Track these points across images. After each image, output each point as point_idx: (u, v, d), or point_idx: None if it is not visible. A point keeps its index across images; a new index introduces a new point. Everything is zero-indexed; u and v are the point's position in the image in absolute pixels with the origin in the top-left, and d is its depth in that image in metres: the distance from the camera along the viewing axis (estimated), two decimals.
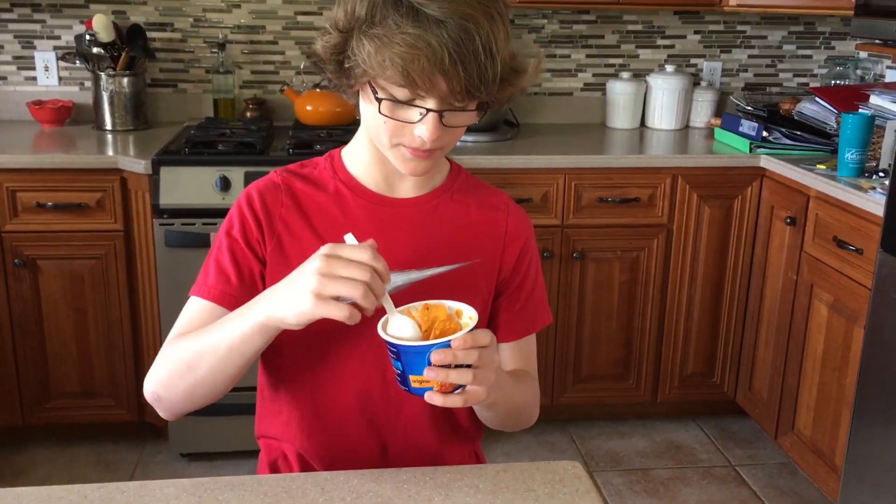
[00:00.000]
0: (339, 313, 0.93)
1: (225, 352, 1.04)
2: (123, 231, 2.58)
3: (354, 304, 0.94)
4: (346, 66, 1.03)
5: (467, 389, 0.98)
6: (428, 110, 1.01)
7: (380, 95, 1.01)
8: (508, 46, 1.02)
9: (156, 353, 1.16)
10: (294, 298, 0.95)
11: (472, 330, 0.97)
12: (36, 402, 2.69)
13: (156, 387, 1.13)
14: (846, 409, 2.35)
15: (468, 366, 0.96)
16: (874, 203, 2.21)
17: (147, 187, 2.51)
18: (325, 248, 0.96)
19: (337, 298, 0.94)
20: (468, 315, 1.00)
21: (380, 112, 1.02)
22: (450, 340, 0.95)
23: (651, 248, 2.81)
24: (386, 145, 1.08)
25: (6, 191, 2.50)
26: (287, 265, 1.09)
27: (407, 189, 1.19)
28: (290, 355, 1.19)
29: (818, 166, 2.55)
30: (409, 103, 1.01)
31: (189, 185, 2.49)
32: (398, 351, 0.96)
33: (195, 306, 1.14)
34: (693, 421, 3.08)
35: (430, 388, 0.97)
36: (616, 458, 2.85)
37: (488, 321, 1.23)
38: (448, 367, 0.95)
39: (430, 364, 0.95)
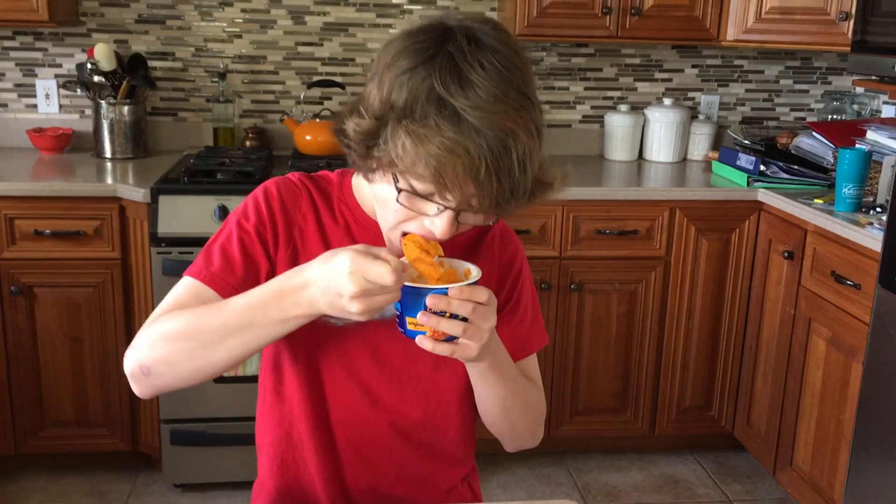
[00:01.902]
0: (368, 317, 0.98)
1: (255, 336, 1.02)
2: (121, 259, 2.58)
3: None
4: (375, 153, 1.01)
5: (459, 342, 1.00)
6: (446, 207, 1.00)
7: (401, 185, 1.00)
8: (539, 158, 1.01)
9: None
10: (338, 304, 0.97)
11: (472, 284, 0.99)
12: (29, 431, 2.66)
13: (148, 361, 1.07)
14: (845, 445, 2.34)
15: (465, 320, 0.99)
16: (872, 238, 2.22)
17: (145, 216, 2.51)
18: (353, 263, 0.95)
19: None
20: (474, 274, 1.03)
21: (397, 200, 1.01)
22: (448, 288, 0.97)
23: (649, 281, 2.81)
24: (387, 227, 1.07)
25: (4, 218, 2.50)
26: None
27: None
28: (291, 376, 1.20)
29: (816, 201, 2.56)
30: (428, 198, 1.00)
31: (187, 214, 2.49)
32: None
33: (191, 288, 1.11)
34: (691, 455, 3.06)
35: (424, 333, 1.00)
36: (613, 493, 2.82)
37: None
38: (442, 315, 0.97)
39: (426, 309, 0.98)
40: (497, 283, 1.23)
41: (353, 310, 0.95)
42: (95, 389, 2.65)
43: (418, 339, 1.00)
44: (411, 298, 0.99)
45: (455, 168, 0.94)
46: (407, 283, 0.98)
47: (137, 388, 1.11)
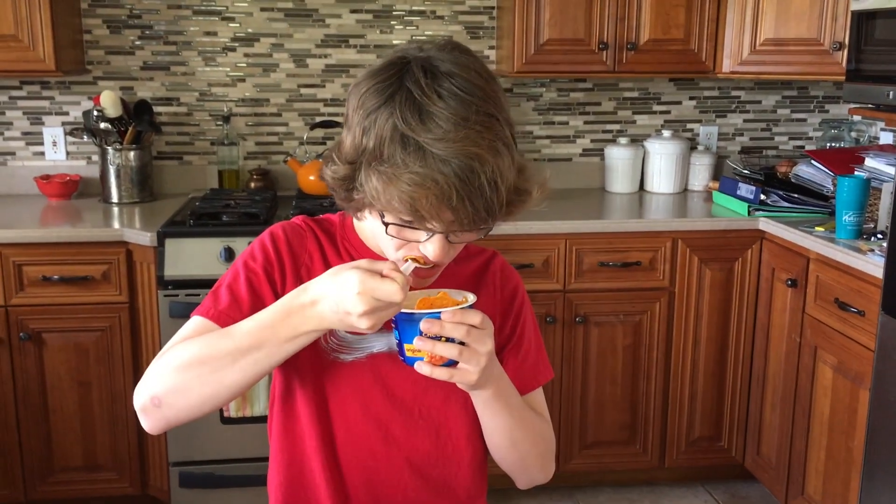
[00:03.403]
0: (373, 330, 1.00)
1: (265, 355, 1.04)
2: (128, 303, 2.60)
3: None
4: (355, 196, 1.06)
5: (458, 367, 1.02)
6: (434, 232, 1.03)
7: (386, 220, 1.04)
8: (514, 169, 1.04)
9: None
10: (347, 320, 0.99)
11: (465, 308, 1.02)
12: (38, 477, 2.66)
13: (160, 392, 1.07)
14: (855, 473, 2.33)
15: (462, 344, 1.01)
16: (873, 265, 2.23)
17: (152, 259, 2.54)
18: (361, 281, 0.97)
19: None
20: (470, 300, 1.05)
21: (387, 233, 1.05)
22: (440, 312, 1.00)
23: (653, 312, 2.82)
24: (391, 255, 1.10)
25: (13, 265, 2.53)
26: None
27: None
28: (303, 415, 1.20)
29: (817, 228, 2.58)
30: (415, 227, 1.04)
31: (194, 257, 2.52)
32: (395, 319, 1.03)
33: (199, 325, 1.13)
34: (702, 486, 3.04)
35: (422, 359, 1.02)
36: None
37: None
38: (438, 339, 0.99)
39: (421, 334, 1.00)
40: (500, 318, 1.24)
41: (362, 326, 0.98)
42: (104, 433, 2.66)
43: (417, 365, 1.02)
44: (406, 325, 1.02)
45: (428, 199, 0.98)
46: (402, 311, 1.01)
47: (148, 422, 1.11)
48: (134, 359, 2.63)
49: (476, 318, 1.02)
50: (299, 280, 1.16)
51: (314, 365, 1.18)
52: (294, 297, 1.03)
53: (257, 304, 1.12)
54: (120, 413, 2.64)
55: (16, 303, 2.55)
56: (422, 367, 1.02)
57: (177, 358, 1.07)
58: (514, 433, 1.19)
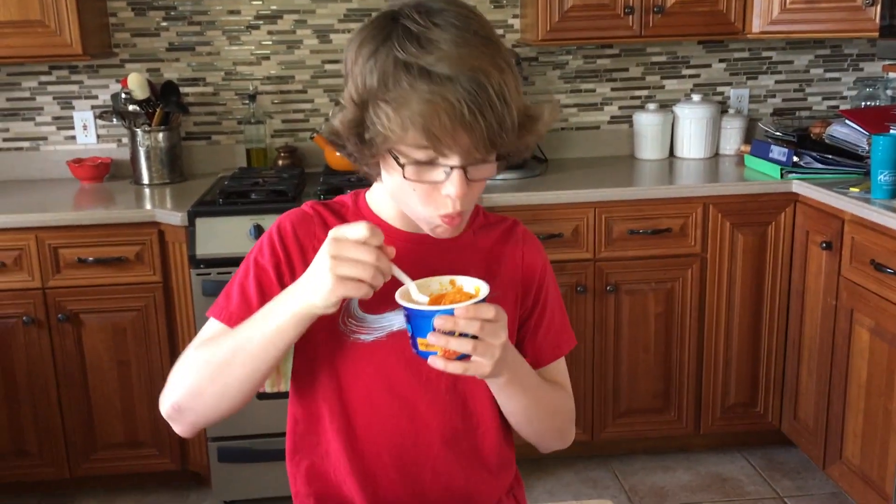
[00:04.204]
0: (356, 293, 1.00)
1: (258, 347, 1.06)
2: (162, 283, 2.63)
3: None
4: (367, 136, 1.04)
5: (471, 360, 1.02)
6: (452, 167, 1.03)
7: (402, 161, 1.03)
8: (520, 96, 1.04)
9: None
10: (315, 282, 1.01)
11: (478, 302, 1.01)
12: (82, 454, 2.73)
13: (178, 398, 1.13)
14: (894, 436, 2.30)
15: (475, 338, 1.00)
16: None
17: (184, 239, 2.57)
18: (331, 232, 1.01)
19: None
20: (483, 292, 1.04)
21: (405, 177, 1.04)
22: (454, 308, 0.99)
23: (685, 279, 2.79)
24: (416, 213, 1.10)
25: (49, 248, 2.57)
26: None
27: None
28: (324, 400, 1.21)
29: (851, 189, 2.53)
30: (432, 163, 1.03)
31: (224, 235, 2.54)
32: (408, 314, 1.03)
33: (214, 329, 1.16)
34: (738, 452, 3.03)
35: (435, 353, 1.01)
36: (661, 493, 2.80)
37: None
38: (451, 334, 0.99)
39: (434, 329, 0.99)
40: (522, 288, 1.24)
41: (338, 285, 0.98)
42: (143, 411, 2.71)
43: (430, 360, 1.02)
44: (420, 320, 1.01)
45: (440, 119, 0.98)
46: (413, 307, 1.01)
47: (177, 428, 1.18)
48: (170, 337, 2.67)
49: (489, 312, 1.01)
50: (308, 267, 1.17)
51: (333, 349, 1.18)
52: (284, 289, 1.07)
53: (266, 301, 1.13)
54: (158, 391, 2.64)
55: (53, 285, 2.60)
56: (435, 362, 1.01)
57: (188, 363, 1.12)
58: (529, 412, 1.20)
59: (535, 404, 1.19)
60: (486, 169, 1.06)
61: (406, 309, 1.02)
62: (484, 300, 1.02)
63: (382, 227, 1.20)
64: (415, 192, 1.06)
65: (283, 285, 1.15)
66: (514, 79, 1.03)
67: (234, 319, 1.13)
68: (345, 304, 1.15)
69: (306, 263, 1.15)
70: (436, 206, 1.07)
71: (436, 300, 1.04)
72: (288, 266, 1.17)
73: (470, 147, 1.01)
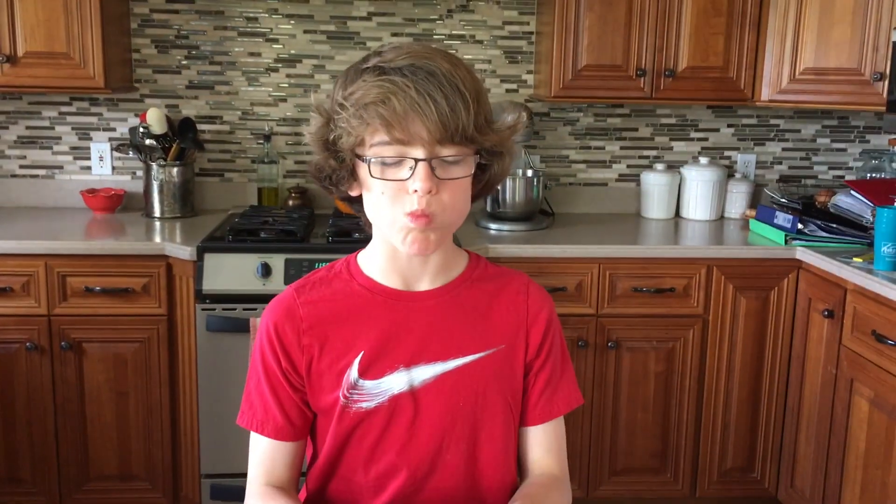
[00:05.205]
0: None
1: None
2: (167, 315, 2.65)
3: None
4: (332, 139, 1.11)
5: None
6: (416, 161, 1.06)
7: (367, 157, 1.08)
8: (480, 88, 1.10)
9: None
10: None
11: None
12: (74, 484, 2.72)
13: None
14: None
15: None
16: None
17: (191, 273, 2.59)
18: None
19: None
20: None
21: (371, 175, 1.08)
22: None
23: (687, 339, 2.80)
24: (388, 220, 1.11)
25: (57, 276, 2.59)
26: (327, 369, 1.17)
27: (425, 283, 1.20)
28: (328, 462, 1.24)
29: (855, 259, 2.55)
30: (398, 164, 1.07)
31: (231, 272, 2.56)
32: None
33: (260, 448, 1.22)
34: None
35: None
36: None
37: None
38: None
39: None
40: (524, 339, 1.23)
41: None
42: (139, 443, 2.70)
43: None
44: None
45: (393, 105, 1.04)
46: None
47: None
48: (170, 370, 2.68)
49: None
50: (308, 354, 1.18)
51: (338, 422, 1.19)
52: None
53: (284, 405, 1.19)
54: (155, 424, 2.68)
55: (59, 312, 2.61)
56: None
57: None
58: None
59: None
60: (456, 169, 1.09)
61: None
62: None
63: (370, 285, 1.20)
64: (384, 196, 1.09)
65: (292, 385, 1.20)
66: (468, 74, 1.09)
67: (266, 428, 1.21)
68: (345, 377, 1.17)
69: (304, 351, 1.19)
70: (402, 204, 1.08)
71: None
72: (289, 365, 1.19)
73: (430, 137, 1.05)
